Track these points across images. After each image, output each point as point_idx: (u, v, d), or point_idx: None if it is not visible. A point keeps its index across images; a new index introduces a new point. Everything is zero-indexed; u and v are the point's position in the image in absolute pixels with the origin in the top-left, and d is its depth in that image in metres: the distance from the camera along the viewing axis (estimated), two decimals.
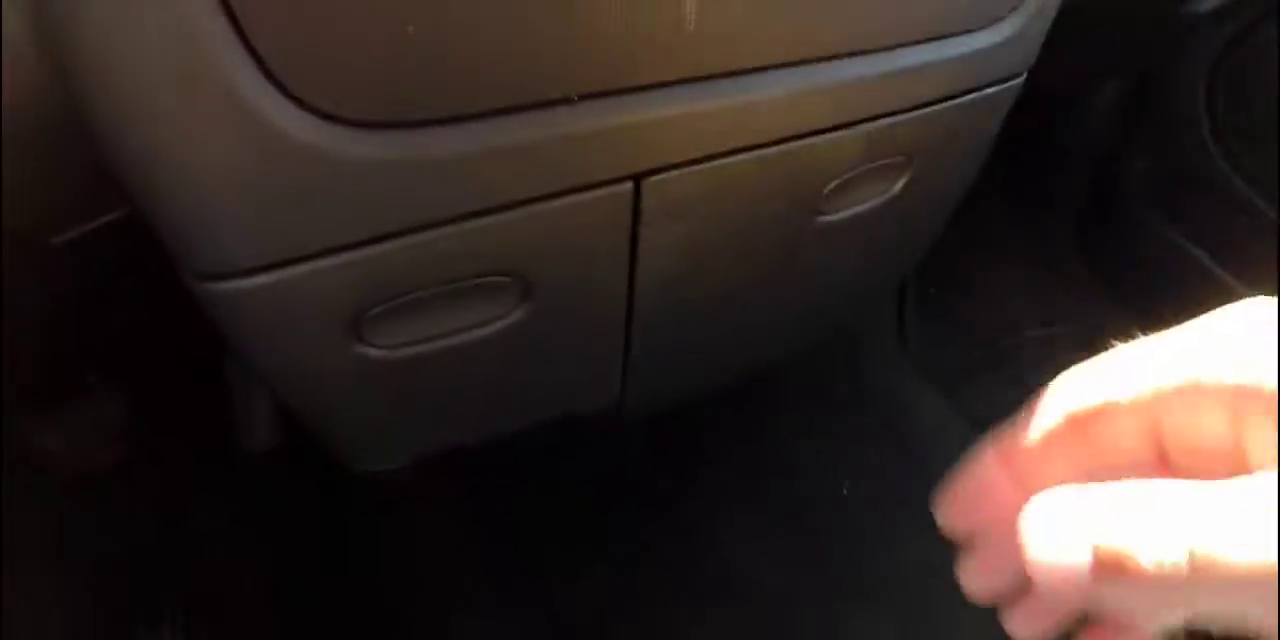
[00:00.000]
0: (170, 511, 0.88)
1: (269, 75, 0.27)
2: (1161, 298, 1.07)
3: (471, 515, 0.85)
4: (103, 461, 0.86)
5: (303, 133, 0.28)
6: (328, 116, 0.28)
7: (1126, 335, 0.22)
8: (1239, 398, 0.20)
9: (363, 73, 0.28)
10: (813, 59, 0.38)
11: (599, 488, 0.72)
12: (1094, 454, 0.22)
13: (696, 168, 0.38)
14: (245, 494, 0.89)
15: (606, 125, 0.33)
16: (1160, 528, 0.18)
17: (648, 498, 0.81)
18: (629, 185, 0.36)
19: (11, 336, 0.58)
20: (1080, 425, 0.22)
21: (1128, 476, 0.20)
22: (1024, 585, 0.24)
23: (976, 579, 0.26)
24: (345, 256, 0.33)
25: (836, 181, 0.45)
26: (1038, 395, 0.24)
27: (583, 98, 0.32)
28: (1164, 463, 0.22)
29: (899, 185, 0.51)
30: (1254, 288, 0.64)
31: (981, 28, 0.44)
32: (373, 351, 0.39)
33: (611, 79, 0.32)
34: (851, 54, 0.40)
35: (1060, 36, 0.89)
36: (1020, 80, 0.51)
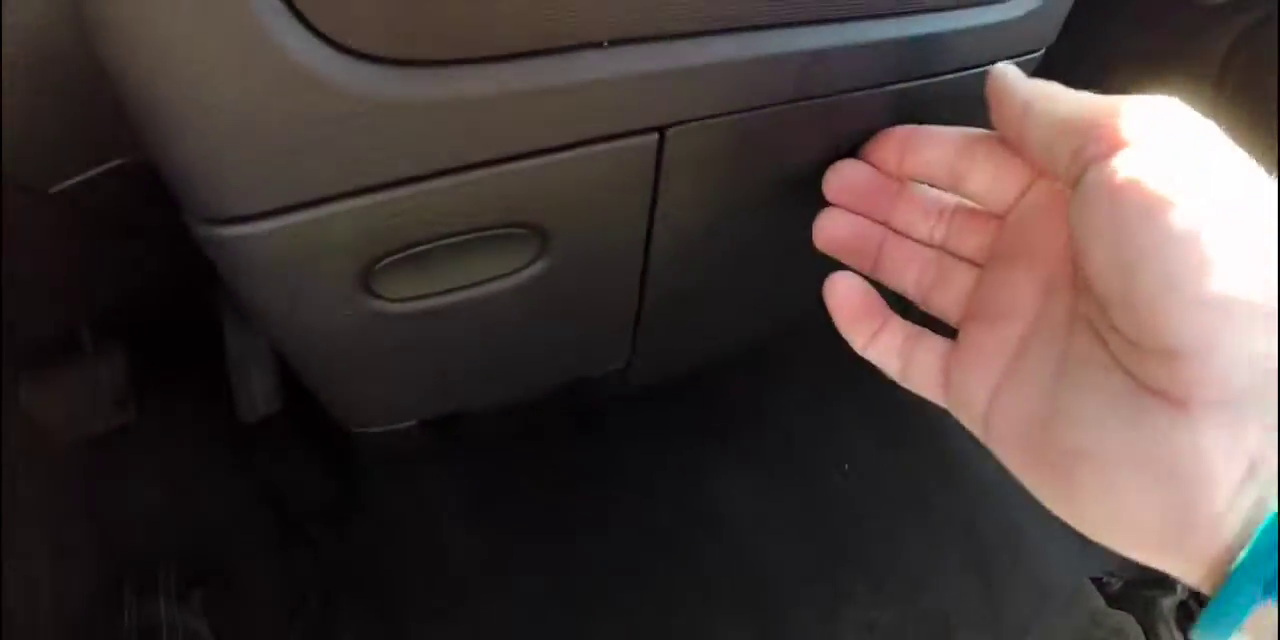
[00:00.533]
0: (167, 477, 0.87)
1: (291, 6, 0.26)
2: None
3: (475, 479, 0.85)
4: (99, 425, 0.85)
5: (325, 67, 0.27)
6: (351, 52, 0.27)
7: None
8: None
9: (390, 7, 0.27)
10: (840, 18, 0.37)
11: (603, 457, 0.71)
12: None
13: (723, 120, 0.37)
14: (243, 460, 0.88)
15: (634, 72, 0.32)
16: None
17: (651, 469, 0.81)
18: (654, 137, 0.35)
19: (6, 296, 0.57)
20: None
21: None
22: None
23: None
24: (360, 201, 0.32)
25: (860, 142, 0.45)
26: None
27: (613, 43, 0.31)
28: None
29: None
30: None
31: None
32: (384, 305, 0.38)
33: (642, 26, 0.31)
34: (877, 16, 0.39)
35: (1075, 22, 0.88)
36: (1039, 55, 0.50)
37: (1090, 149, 0.27)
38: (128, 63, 0.26)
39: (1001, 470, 0.30)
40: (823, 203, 0.39)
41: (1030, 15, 0.45)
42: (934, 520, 0.92)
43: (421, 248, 0.35)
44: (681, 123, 0.36)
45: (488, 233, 0.36)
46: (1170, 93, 0.29)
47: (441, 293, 0.38)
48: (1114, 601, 0.93)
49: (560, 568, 0.82)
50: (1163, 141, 0.26)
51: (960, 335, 0.33)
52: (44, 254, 0.54)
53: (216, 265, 0.35)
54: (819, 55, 0.37)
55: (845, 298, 0.36)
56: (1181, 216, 0.24)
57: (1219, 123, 0.29)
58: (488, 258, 0.38)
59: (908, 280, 0.36)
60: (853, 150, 0.41)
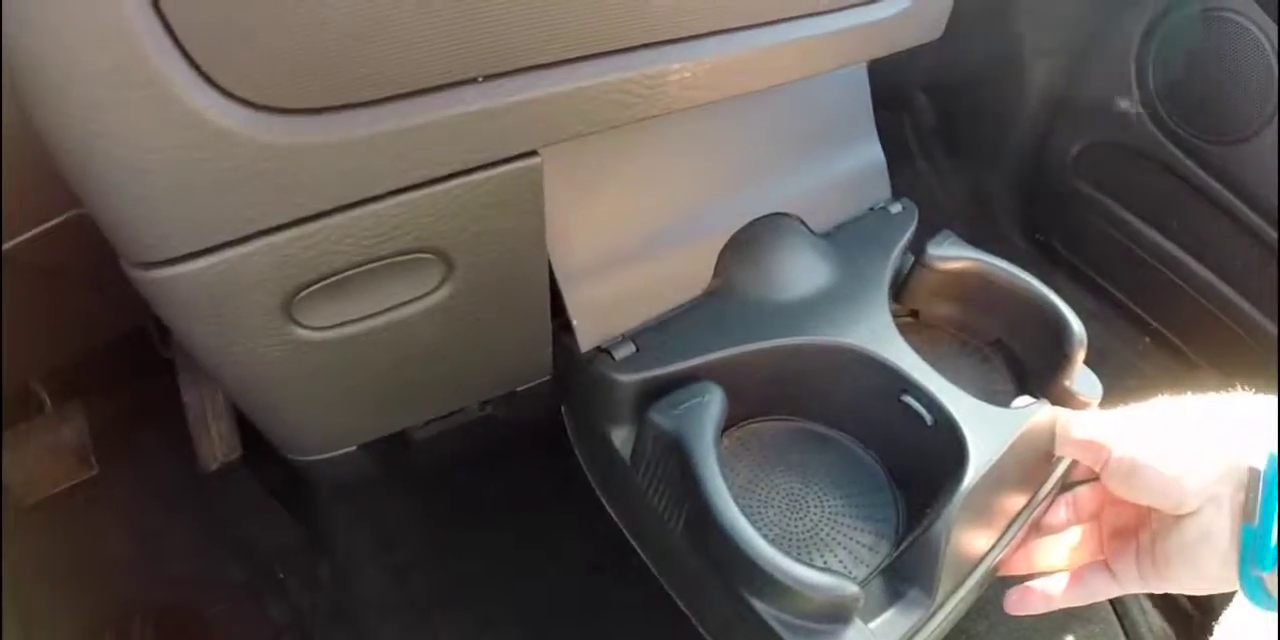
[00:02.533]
0: (134, 529, 0.88)
1: (197, 69, 0.29)
2: (1103, 268, 1.12)
3: (427, 504, 0.87)
4: (62, 482, 0.87)
5: (230, 121, 0.31)
6: (253, 105, 0.31)
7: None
8: None
9: (284, 64, 0.31)
10: (714, 32, 0.42)
11: (550, 472, 0.74)
12: None
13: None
14: (207, 507, 0.89)
15: (511, 102, 0.36)
16: None
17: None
18: (536, 159, 0.39)
19: None
20: None
21: None
22: None
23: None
24: (274, 238, 0.35)
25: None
26: None
27: (487, 78, 0.35)
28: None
29: None
30: (1193, 255, 0.68)
31: None
32: (307, 333, 0.41)
33: (514, 60, 0.35)
34: (754, 26, 0.43)
35: (993, 13, 0.92)
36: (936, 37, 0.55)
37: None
38: (56, 129, 0.30)
39: None
40: None
41: (902, 14, 0.50)
42: None
43: (335, 277, 0.39)
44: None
45: (395, 259, 0.39)
46: None
47: (360, 319, 0.42)
48: None
49: (517, 586, 0.83)
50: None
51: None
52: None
53: (153, 306, 0.38)
54: (697, 67, 0.41)
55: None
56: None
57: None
58: (398, 283, 0.41)
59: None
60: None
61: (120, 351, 0.83)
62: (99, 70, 0.28)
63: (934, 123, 1.27)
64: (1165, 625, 0.92)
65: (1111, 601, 0.92)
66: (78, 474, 0.89)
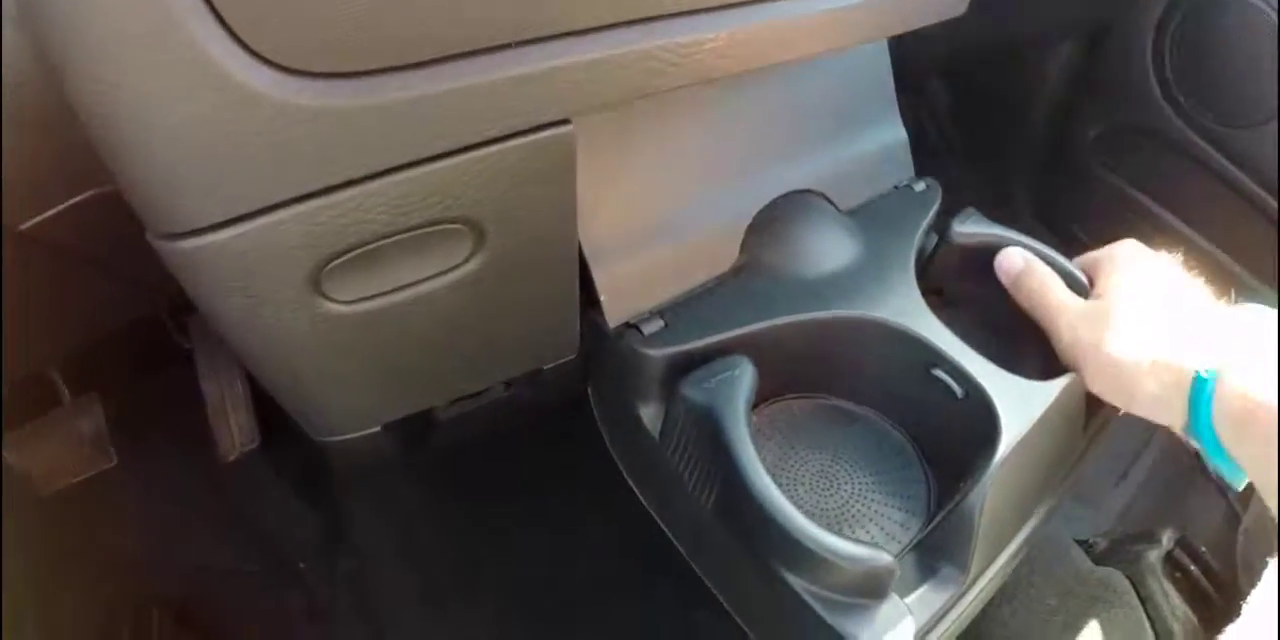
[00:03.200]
0: (152, 521, 0.88)
1: (230, 31, 0.29)
2: None
3: (447, 489, 0.87)
4: (81, 473, 0.87)
5: (263, 85, 0.30)
6: (284, 68, 0.31)
7: None
8: None
9: (316, 26, 0.30)
10: (746, 1, 0.41)
11: (570, 455, 0.73)
12: None
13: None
14: (226, 497, 0.89)
15: (544, 68, 0.35)
16: None
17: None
18: (568, 128, 0.38)
19: None
20: None
21: None
22: None
23: None
24: (304, 206, 0.35)
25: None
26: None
27: (520, 44, 0.35)
28: None
29: None
30: (1212, 240, 0.68)
31: None
32: (335, 306, 0.41)
33: (547, 26, 0.35)
34: None
35: None
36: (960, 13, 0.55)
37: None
38: (88, 95, 0.29)
39: None
40: None
41: None
42: None
43: (365, 248, 0.38)
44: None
45: (425, 230, 0.39)
46: None
47: (388, 292, 0.41)
48: (1100, 560, 0.95)
49: (535, 573, 0.83)
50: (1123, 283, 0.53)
51: None
52: (12, 298, 0.56)
53: (179, 280, 0.37)
54: (730, 37, 0.41)
55: None
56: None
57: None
58: (428, 255, 0.41)
59: None
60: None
61: (137, 341, 0.83)
62: (129, 31, 0.28)
63: (951, 107, 1.27)
64: (1188, 609, 0.92)
65: (1135, 586, 0.91)
66: (96, 465, 0.89)
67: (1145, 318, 0.50)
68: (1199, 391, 0.46)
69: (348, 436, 0.53)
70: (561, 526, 0.85)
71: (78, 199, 0.50)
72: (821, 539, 0.44)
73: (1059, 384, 0.51)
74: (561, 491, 0.86)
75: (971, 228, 0.59)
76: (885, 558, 0.44)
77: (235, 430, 0.88)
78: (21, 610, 0.74)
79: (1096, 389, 0.52)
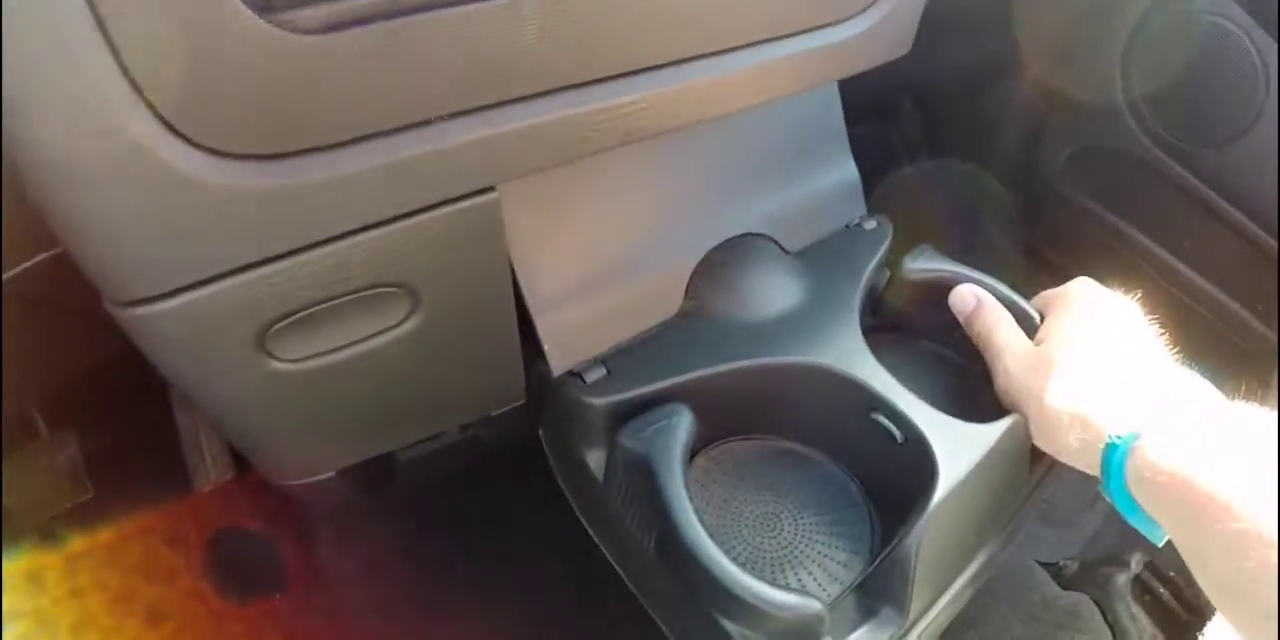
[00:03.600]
0: (127, 550, 0.89)
1: (164, 122, 0.31)
2: (1094, 274, 1.12)
3: (413, 528, 0.88)
4: (59, 506, 0.88)
5: (196, 169, 0.32)
6: (216, 152, 0.32)
7: None
8: None
9: (245, 113, 0.32)
10: (672, 62, 0.42)
11: (533, 485, 0.75)
12: None
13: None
14: (200, 528, 0.90)
15: (465, 142, 0.37)
16: None
17: None
18: (493, 195, 0.40)
19: None
20: None
21: None
22: None
23: None
24: (244, 277, 0.37)
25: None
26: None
27: (440, 119, 0.36)
28: None
29: None
30: (1183, 260, 0.69)
31: (846, 19, 0.49)
32: (281, 365, 0.42)
33: (466, 100, 0.37)
34: (714, 53, 0.44)
35: (979, 21, 0.93)
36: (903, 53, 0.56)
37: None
38: (33, 171, 0.31)
39: None
40: None
41: (866, 34, 0.50)
42: None
43: (304, 312, 0.40)
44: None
45: (362, 294, 0.41)
46: None
47: (332, 350, 0.43)
48: (1069, 584, 0.95)
49: (498, 608, 0.84)
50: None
51: None
52: None
53: (133, 341, 0.39)
54: (653, 98, 0.42)
55: None
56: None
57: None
58: (367, 316, 0.42)
59: None
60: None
61: (113, 375, 0.84)
62: (64, 122, 0.29)
63: (922, 131, 1.28)
64: (1156, 632, 0.93)
65: (1103, 610, 0.92)
66: (73, 497, 0.90)
67: (1078, 369, 0.50)
68: (1110, 456, 0.46)
69: (305, 481, 0.54)
70: (521, 560, 0.86)
71: (49, 254, 0.52)
72: (750, 587, 0.45)
73: (1000, 427, 0.53)
74: (520, 528, 0.87)
75: (924, 264, 0.60)
76: (814, 605, 0.45)
77: (210, 462, 0.89)
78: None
79: (1030, 433, 0.53)
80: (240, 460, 0.88)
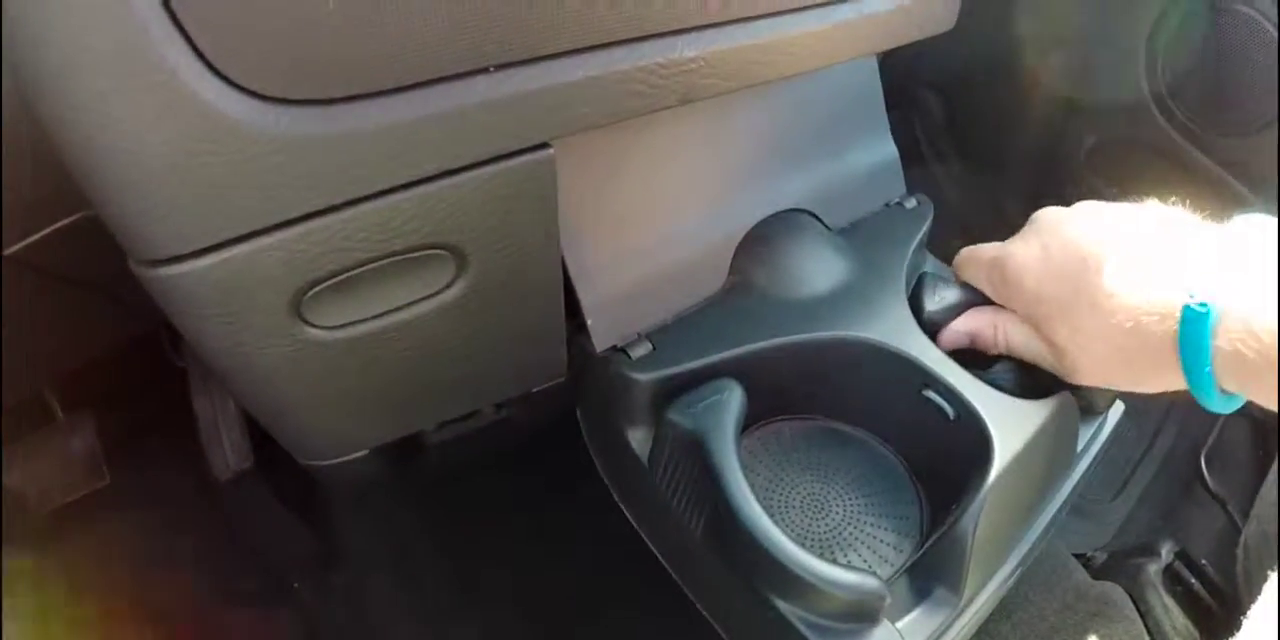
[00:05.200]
0: (146, 539, 0.88)
1: (204, 59, 0.29)
2: None
3: (440, 509, 0.86)
4: (75, 492, 0.87)
5: (237, 112, 0.30)
6: (260, 96, 0.31)
7: None
8: None
9: (291, 53, 0.30)
10: (728, 21, 0.41)
11: (562, 474, 0.73)
12: None
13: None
14: (219, 516, 0.89)
15: (523, 92, 0.35)
16: None
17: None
18: (549, 151, 0.38)
19: None
20: None
21: None
22: None
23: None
24: (284, 234, 0.35)
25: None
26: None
27: (498, 68, 0.35)
28: None
29: None
30: None
31: None
32: (317, 333, 0.40)
33: (526, 49, 0.35)
34: (771, 14, 0.43)
35: (1002, 10, 0.92)
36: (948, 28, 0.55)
37: None
38: (62, 121, 0.29)
39: None
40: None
41: (916, 3, 0.50)
42: None
43: (346, 275, 0.38)
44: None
45: (406, 256, 0.39)
46: None
47: (371, 318, 0.41)
48: (1099, 574, 0.94)
49: (529, 592, 0.83)
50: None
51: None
52: (9, 320, 0.56)
53: (161, 305, 0.37)
54: (707, 59, 0.41)
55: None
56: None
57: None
58: (410, 280, 0.41)
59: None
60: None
61: (131, 360, 0.83)
62: (103, 59, 0.27)
63: (944, 122, 1.26)
64: (1189, 623, 0.91)
65: (1134, 600, 0.91)
66: (89, 484, 0.89)
67: (1096, 261, 0.44)
68: (1190, 335, 0.38)
69: (335, 461, 0.52)
70: (554, 546, 0.85)
71: (67, 221, 0.50)
72: (810, 566, 0.43)
73: (1051, 403, 0.51)
74: (553, 512, 0.86)
75: (938, 305, 0.56)
76: (874, 583, 0.43)
77: (229, 449, 0.87)
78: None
79: (1074, 375, 0.48)
80: (259, 447, 0.87)
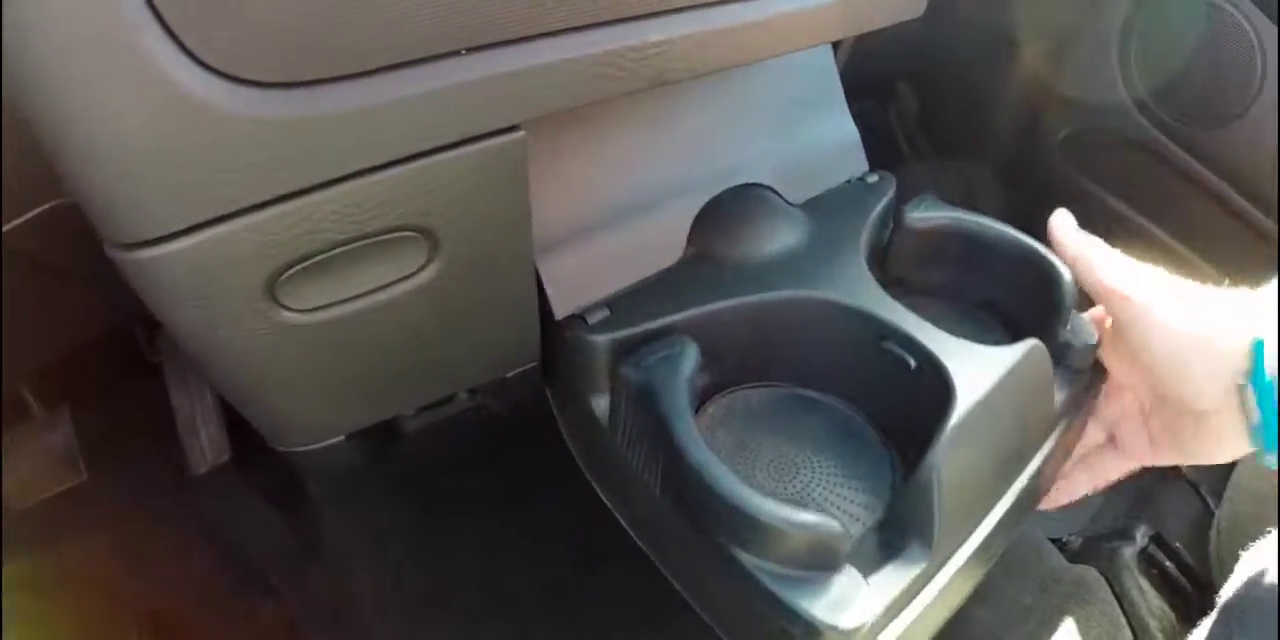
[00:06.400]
0: (123, 536, 0.88)
1: (176, 40, 0.29)
2: None
3: (415, 500, 0.86)
4: (51, 488, 0.86)
5: (210, 94, 0.31)
6: (233, 78, 0.31)
7: None
8: None
9: (264, 37, 0.30)
10: (701, 5, 0.42)
11: (541, 458, 0.73)
12: None
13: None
14: (197, 511, 0.89)
15: (494, 74, 0.36)
16: None
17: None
18: (520, 133, 0.39)
19: None
20: None
21: None
22: None
23: None
24: (255, 217, 0.35)
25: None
26: None
27: (470, 50, 0.35)
28: None
29: None
30: (1180, 240, 0.69)
31: None
32: (292, 316, 0.41)
33: (498, 31, 0.35)
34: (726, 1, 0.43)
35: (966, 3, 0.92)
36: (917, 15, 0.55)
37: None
38: (39, 105, 0.29)
39: None
40: None
41: None
42: None
43: (320, 257, 0.38)
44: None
45: (379, 238, 0.39)
46: None
47: (345, 300, 0.41)
48: (1075, 558, 0.95)
49: (508, 580, 0.83)
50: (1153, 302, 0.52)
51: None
52: None
53: (136, 289, 0.37)
54: (675, 43, 0.41)
55: None
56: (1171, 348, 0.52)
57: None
58: (383, 263, 0.41)
59: None
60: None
61: (107, 355, 0.83)
62: (79, 43, 0.28)
63: (918, 112, 1.27)
64: (1164, 604, 0.92)
65: (1110, 583, 0.92)
66: (66, 480, 0.89)
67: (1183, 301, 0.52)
68: (1258, 358, 0.48)
69: (311, 447, 0.52)
70: (532, 533, 0.85)
71: (41, 209, 0.50)
72: (763, 506, 0.43)
73: (1019, 348, 0.51)
74: (530, 499, 0.86)
75: (926, 213, 0.59)
76: (833, 524, 0.43)
77: (206, 443, 0.87)
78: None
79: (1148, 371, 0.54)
80: (237, 442, 0.87)
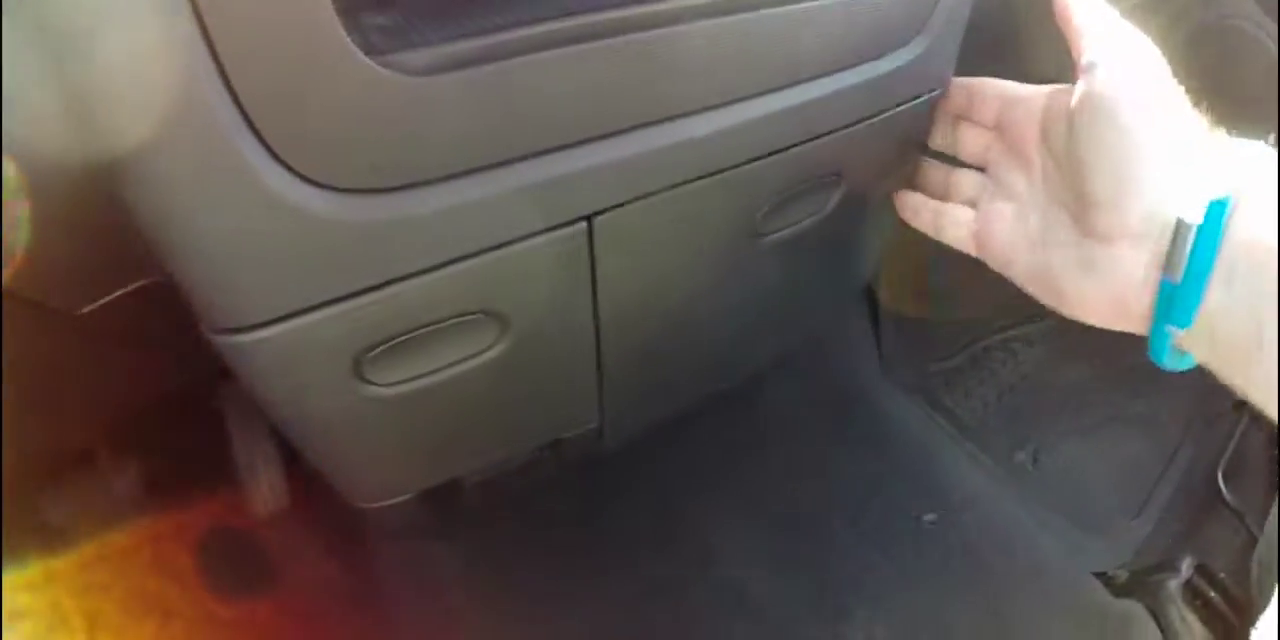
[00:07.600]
0: (184, 576, 0.91)
1: (273, 154, 0.32)
2: None
3: (474, 550, 0.88)
4: (112, 532, 0.89)
5: (302, 200, 0.33)
6: (323, 186, 0.34)
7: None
8: None
9: (353, 152, 0.33)
10: (737, 99, 0.44)
11: (594, 512, 0.76)
12: None
13: (640, 204, 0.43)
14: (259, 558, 0.91)
15: (557, 174, 0.38)
16: None
17: (642, 518, 0.85)
18: (583, 225, 0.42)
19: (20, 407, 0.62)
20: None
21: None
22: None
23: None
24: (343, 306, 0.38)
25: (772, 203, 0.51)
26: None
27: (536, 155, 0.38)
28: None
29: (833, 201, 0.57)
30: None
31: (888, 53, 0.50)
32: (374, 390, 0.44)
33: (560, 137, 0.38)
34: (772, 90, 0.45)
35: (994, 36, 0.93)
36: (938, 94, 0.56)
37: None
38: (141, 202, 0.32)
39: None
40: (742, 262, 0.48)
41: (917, 61, 0.51)
42: (927, 539, 0.97)
43: (400, 338, 0.41)
44: (604, 210, 0.42)
45: (454, 321, 0.42)
46: None
47: (421, 375, 0.44)
48: (1121, 592, 0.95)
49: (558, 630, 0.84)
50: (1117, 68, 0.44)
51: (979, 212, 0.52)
52: (65, 372, 0.59)
53: (231, 367, 0.40)
54: (725, 134, 0.44)
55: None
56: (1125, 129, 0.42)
57: None
58: (458, 342, 0.44)
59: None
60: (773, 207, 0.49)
61: (170, 403, 0.86)
62: (181, 148, 0.30)
63: None
64: (1208, 634, 0.93)
65: (1155, 617, 0.93)
66: (128, 522, 0.92)
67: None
68: (1208, 224, 0.38)
69: (383, 503, 0.55)
70: (582, 583, 0.87)
71: (133, 286, 0.53)
72: None
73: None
74: (585, 554, 0.88)
75: None
76: None
77: (266, 489, 0.90)
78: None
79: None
80: (296, 489, 0.89)
